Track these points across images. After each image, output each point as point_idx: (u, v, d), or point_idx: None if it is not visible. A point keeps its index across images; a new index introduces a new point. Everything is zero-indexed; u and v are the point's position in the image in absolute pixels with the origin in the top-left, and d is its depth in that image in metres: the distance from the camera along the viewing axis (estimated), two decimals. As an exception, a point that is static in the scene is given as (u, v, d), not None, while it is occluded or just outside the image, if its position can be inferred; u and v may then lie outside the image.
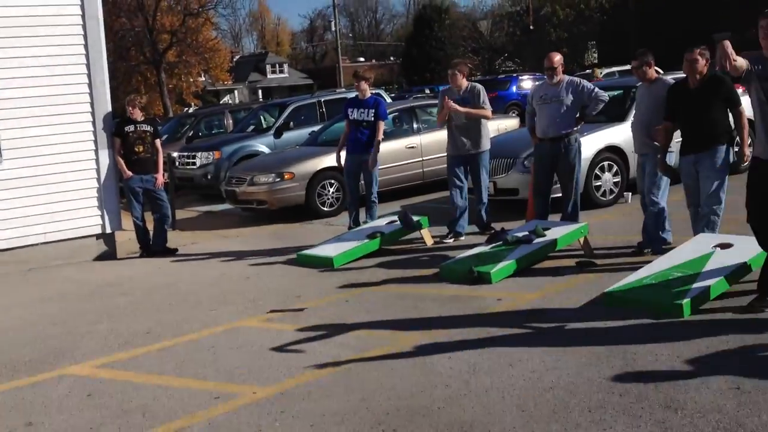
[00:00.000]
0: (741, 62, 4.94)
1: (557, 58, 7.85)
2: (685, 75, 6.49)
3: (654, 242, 6.89)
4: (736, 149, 6.64)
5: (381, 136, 9.08)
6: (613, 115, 10.26)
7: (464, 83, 8.54)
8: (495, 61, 48.79)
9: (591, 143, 9.36)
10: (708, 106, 6.28)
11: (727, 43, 4.88)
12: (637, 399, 4.00)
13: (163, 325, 6.25)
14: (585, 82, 7.94)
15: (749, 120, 9.89)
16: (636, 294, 5.52)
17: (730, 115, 6.41)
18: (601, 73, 22.91)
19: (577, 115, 7.85)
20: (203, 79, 48.29)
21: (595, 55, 42.12)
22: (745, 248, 5.73)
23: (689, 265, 5.70)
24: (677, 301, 5.22)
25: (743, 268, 5.58)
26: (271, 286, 7.28)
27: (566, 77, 7.90)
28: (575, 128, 7.81)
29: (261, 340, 5.60)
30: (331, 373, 4.80)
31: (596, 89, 7.81)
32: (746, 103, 5.65)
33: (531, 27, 48.18)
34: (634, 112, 7.52)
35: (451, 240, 8.42)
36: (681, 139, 6.64)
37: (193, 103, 45.92)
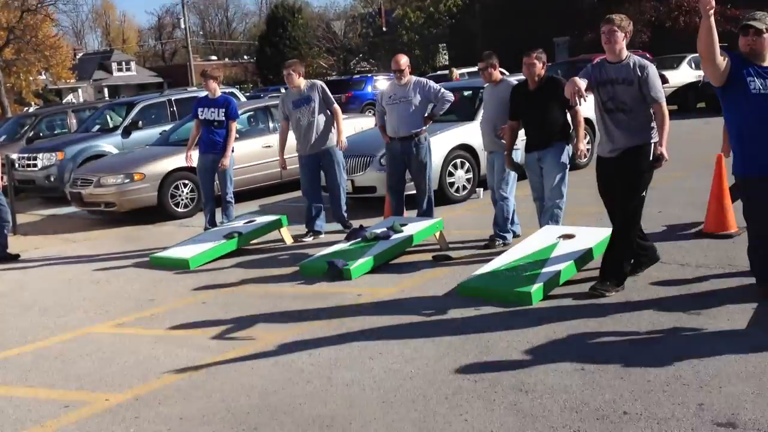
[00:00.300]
0: (582, 84, 5.28)
1: (404, 60, 8.02)
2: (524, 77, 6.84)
3: (504, 235, 7.20)
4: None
5: (234, 135, 8.96)
6: (464, 114, 10.64)
7: (302, 82, 8.55)
8: (350, 62, 49.19)
9: (444, 142, 9.65)
10: (546, 106, 6.61)
11: (577, 80, 5.20)
12: (491, 384, 4.16)
13: (6, 334, 5.91)
14: (431, 83, 8.15)
15: (588, 119, 10.59)
16: (488, 284, 5.74)
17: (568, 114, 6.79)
18: (459, 73, 23.61)
19: (426, 114, 8.05)
20: (44, 77, 45.74)
21: (446, 56, 43.31)
22: (587, 238, 6.13)
23: (536, 256, 6.00)
24: (526, 290, 5.48)
25: (586, 256, 5.93)
26: (123, 290, 7.02)
27: (414, 78, 8.08)
28: (424, 127, 8.00)
29: (113, 346, 5.40)
30: (189, 376, 4.69)
31: (442, 89, 8.05)
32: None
33: (384, 29, 48.98)
34: (482, 111, 7.79)
35: (311, 238, 8.42)
36: (525, 137, 6.96)
37: (33, 103, 43.40)
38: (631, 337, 4.65)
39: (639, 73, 5.38)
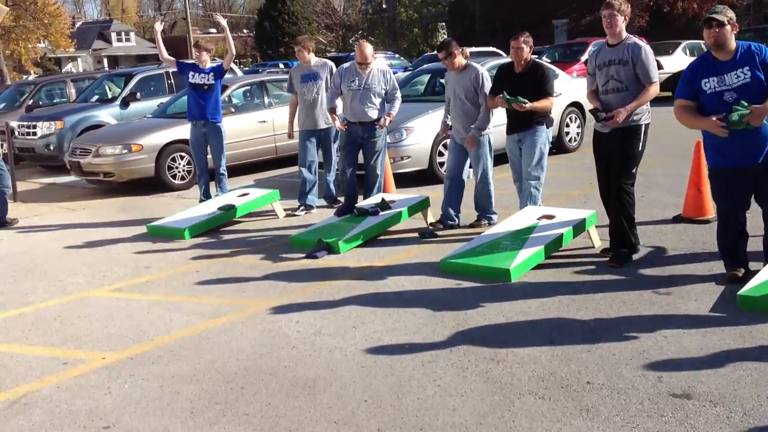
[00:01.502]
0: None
1: (370, 50, 8.09)
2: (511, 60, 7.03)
3: (489, 216, 7.46)
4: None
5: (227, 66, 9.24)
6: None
7: (312, 58, 8.78)
8: (349, 38, 49.19)
9: (434, 122, 9.83)
10: (530, 90, 6.76)
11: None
12: (465, 353, 4.43)
13: (7, 295, 6.16)
14: (392, 75, 8.31)
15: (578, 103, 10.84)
16: (469, 261, 5.99)
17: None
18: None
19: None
20: (43, 45, 45.62)
21: (445, 35, 43.37)
22: (565, 219, 6.37)
23: (517, 234, 6.26)
24: (505, 266, 5.74)
25: (565, 236, 6.18)
26: (120, 256, 7.26)
27: (375, 65, 8.23)
28: (384, 123, 8.10)
29: (110, 309, 5.65)
30: (181, 338, 4.96)
31: (396, 86, 8.28)
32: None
33: (384, 6, 48.97)
34: (449, 102, 7.61)
35: (303, 212, 8.66)
36: (507, 119, 7.10)
37: (32, 71, 43.32)
38: (602, 314, 4.91)
39: (634, 53, 5.71)
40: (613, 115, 5.69)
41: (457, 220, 7.49)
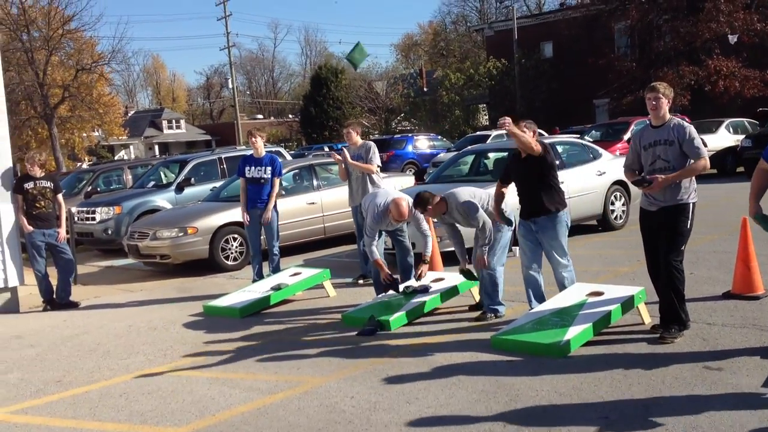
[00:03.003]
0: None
1: (405, 208, 7.59)
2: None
3: (495, 308, 7.21)
4: None
5: (276, 191, 9.53)
6: (499, 175, 11.06)
7: (359, 140, 9.20)
8: (391, 121, 50.19)
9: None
10: (533, 174, 6.74)
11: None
12: (519, 429, 4.50)
13: (74, 374, 6.40)
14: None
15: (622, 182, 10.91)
16: (519, 337, 6.09)
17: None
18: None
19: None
20: (97, 133, 47.38)
21: (486, 117, 44.04)
22: (614, 296, 6.44)
23: (566, 311, 6.34)
24: (557, 342, 5.83)
25: (614, 312, 6.25)
26: (179, 335, 7.50)
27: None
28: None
29: (172, 386, 5.85)
30: (241, 413, 5.12)
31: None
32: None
33: (425, 89, 50.01)
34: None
35: (362, 281, 9.00)
36: (519, 205, 7.01)
37: (86, 158, 44.90)
38: (654, 391, 4.94)
39: (680, 133, 5.92)
40: (653, 179, 5.87)
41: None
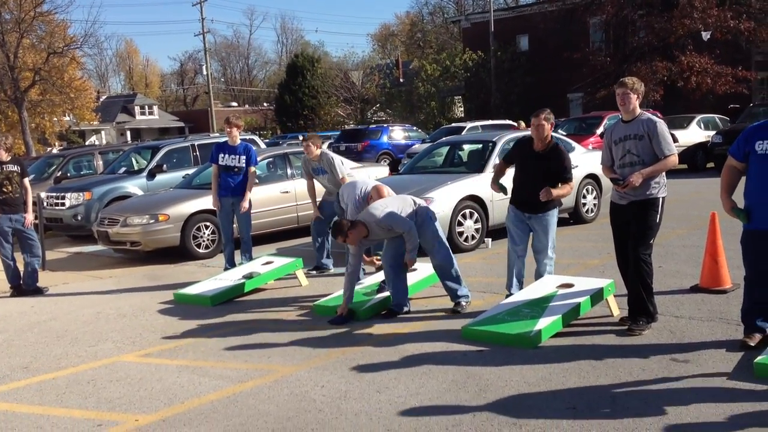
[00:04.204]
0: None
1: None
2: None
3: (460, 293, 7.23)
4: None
5: (253, 180, 9.50)
6: (473, 167, 11.15)
7: (317, 152, 9.22)
8: (367, 111, 50.12)
9: (453, 193, 10.12)
10: (545, 170, 6.86)
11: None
12: (487, 419, 4.54)
13: (41, 361, 6.33)
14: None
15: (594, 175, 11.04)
16: (490, 328, 6.12)
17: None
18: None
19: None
20: (68, 118, 46.81)
21: (461, 108, 44.11)
22: (584, 288, 6.51)
23: (536, 303, 6.39)
24: (526, 333, 5.87)
25: (583, 304, 6.31)
26: (149, 323, 7.45)
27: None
28: None
29: (141, 373, 5.81)
30: (210, 401, 5.10)
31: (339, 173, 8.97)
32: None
33: (401, 80, 50.00)
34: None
35: (314, 273, 9.21)
36: (513, 191, 7.11)
37: (56, 143, 44.32)
38: (622, 381, 5.01)
39: (648, 129, 5.95)
40: (629, 181, 5.91)
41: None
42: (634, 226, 6.04)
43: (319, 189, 9.62)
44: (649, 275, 6.05)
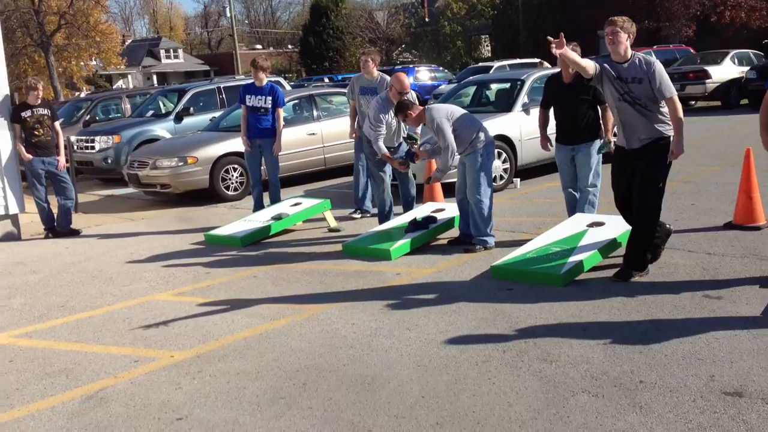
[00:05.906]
0: (588, 64, 5.60)
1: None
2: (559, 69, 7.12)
3: (484, 239, 7.12)
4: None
5: (282, 122, 9.42)
6: (501, 105, 11.00)
7: (376, 73, 9.03)
8: (392, 52, 49.55)
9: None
10: (579, 100, 6.85)
11: (565, 51, 5.48)
12: (518, 354, 4.56)
13: (77, 300, 6.45)
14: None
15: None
16: (519, 266, 6.12)
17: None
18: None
19: None
20: (94, 63, 46.85)
21: (488, 48, 43.44)
22: (615, 226, 6.46)
23: (566, 241, 6.36)
24: (555, 272, 5.86)
25: (612, 244, 6.28)
26: (181, 263, 7.54)
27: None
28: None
29: (175, 311, 5.90)
30: (244, 338, 5.18)
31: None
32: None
33: (426, 19, 49.23)
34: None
35: (358, 216, 8.89)
36: (556, 129, 7.18)
37: (85, 87, 44.48)
38: (654, 317, 5.00)
39: (646, 69, 5.55)
40: (676, 154, 5.59)
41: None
42: (643, 169, 5.68)
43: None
44: (655, 221, 5.79)
